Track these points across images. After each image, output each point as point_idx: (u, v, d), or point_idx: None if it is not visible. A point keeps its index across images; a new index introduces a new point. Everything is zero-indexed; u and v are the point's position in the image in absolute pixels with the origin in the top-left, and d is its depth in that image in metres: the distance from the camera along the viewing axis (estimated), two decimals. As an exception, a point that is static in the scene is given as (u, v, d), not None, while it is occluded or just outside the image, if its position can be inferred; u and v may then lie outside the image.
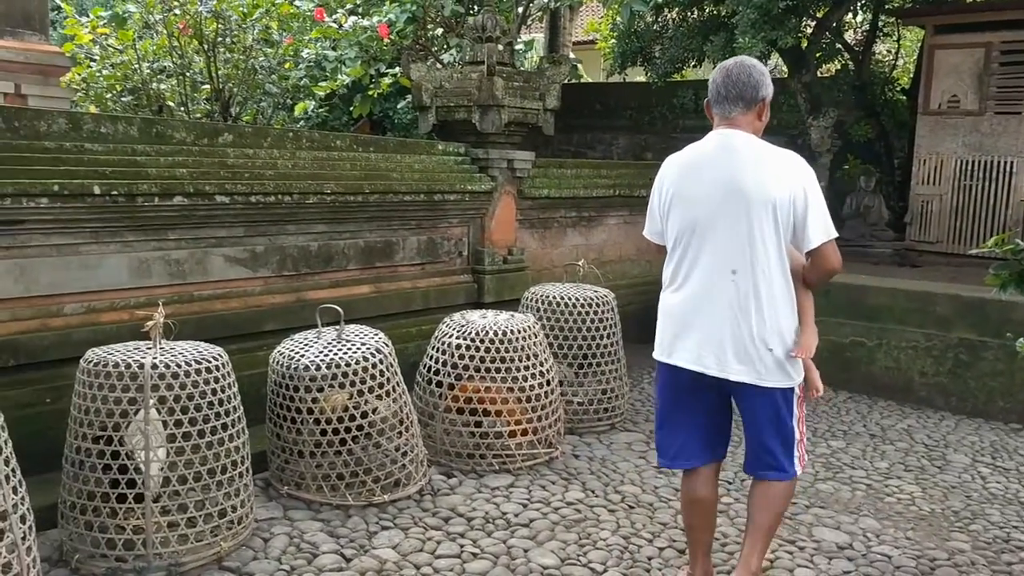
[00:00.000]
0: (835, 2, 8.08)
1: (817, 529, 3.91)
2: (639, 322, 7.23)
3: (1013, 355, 5.55)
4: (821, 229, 2.83)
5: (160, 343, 3.43)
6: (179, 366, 3.28)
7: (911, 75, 9.65)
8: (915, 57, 10.02)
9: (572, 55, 15.61)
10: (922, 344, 6.00)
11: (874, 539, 3.83)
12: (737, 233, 2.83)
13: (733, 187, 2.82)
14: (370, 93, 7.75)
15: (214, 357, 3.42)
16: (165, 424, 3.29)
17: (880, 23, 9.29)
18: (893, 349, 6.12)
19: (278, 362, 4.01)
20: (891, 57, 10.32)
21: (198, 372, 3.32)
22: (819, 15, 8.27)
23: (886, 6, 9.08)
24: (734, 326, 2.86)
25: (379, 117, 9.94)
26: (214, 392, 3.36)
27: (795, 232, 2.85)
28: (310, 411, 3.91)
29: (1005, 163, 7.30)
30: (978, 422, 5.62)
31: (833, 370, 6.02)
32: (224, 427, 3.40)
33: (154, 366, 3.24)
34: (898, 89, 9.48)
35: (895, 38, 9.89)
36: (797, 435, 3.01)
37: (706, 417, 3.09)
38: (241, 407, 3.55)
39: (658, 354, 3.07)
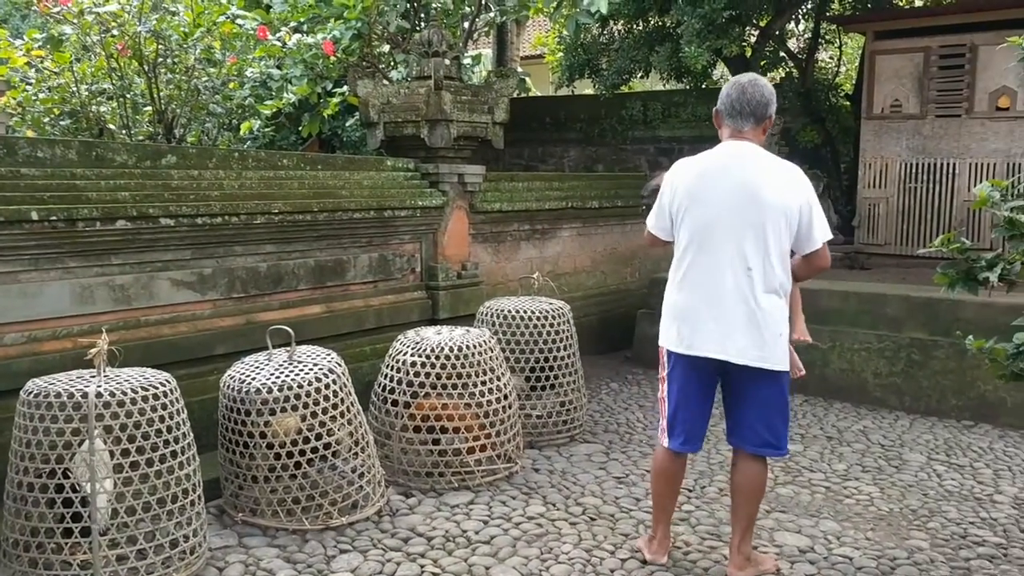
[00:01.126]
0: (777, 10, 8.21)
1: (779, 534, 3.91)
2: (596, 333, 7.27)
3: (963, 353, 5.64)
4: (823, 233, 3.23)
5: (104, 371, 3.33)
6: (124, 394, 3.19)
7: (854, 81, 9.82)
8: (857, 63, 10.20)
9: (520, 69, 15.68)
10: (875, 345, 6.06)
11: (835, 541, 3.84)
12: (755, 234, 3.14)
13: (751, 194, 3.14)
14: (319, 112, 7.67)
15: (161, 383, 3.33)
16: (112, 454, 3.19)
17: (822, 30, 9.45)
18: (847, 351, 6.18)
19: (228, 386, 3.92)
20: (834, 64, 10.50)
21: (144, 399, 3.23)
22: (762, 24, 8.39)
23: (827, 13, 9.24)
24: (751, 317, 3.16)
25: (328, 135, 9.86)
26: (162, 419, 3.27)
27: (799, 235, 3.20)
28: (263, 435, 3.82)
29: (948, 165, 7.44)
30: (932, 420, 5.69)
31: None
32: (173, 455, 3.31)
33: (98, 394, 3.14)
34: (842, 95, 9.64)
35: (837, 45, 10.06)
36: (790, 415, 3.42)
37: (710, 402, 3.44)
38: (191, 434, 3.46)
39: (674, 346, 3.32)
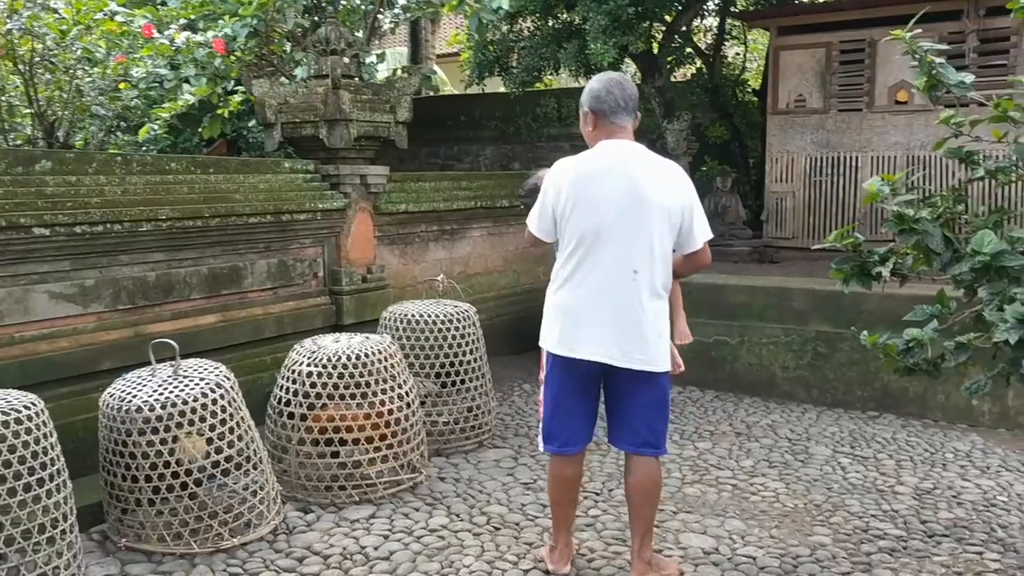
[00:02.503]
0: (683, 6, 8.22)
1: (684, 535, 3.86)
2: (509, 334, 7.16)
3: (867, 345, 5.70)
4: (704, 232, 3.22)
5: (-38, 395, 3.09)
6: (-18, 419, 2.96)
7: (760, 77, 9.93)
8: (763, 59, 10.32)
9: (436, 67, 15.50)
10: (782, 339, 6.10)
11: (739, 541, 3.80)
12: (639, 236, 3.11)
13: (636, 196, 3.10)
14: (220, 112, 7.40)
15: (25, 407, 3.10)
16: (-30, 485, 2.96)
17: (728, 26, 9.52)
18: (755, 346, 6.21)
19: (108, 405, 3.69)
20: (740, 59, 10.60)
21: (5, 425, 3.00)
22: (668, 20, 8.39)
23: (732, 9, 9.31)
24: (634, 320, 3.14)
25: (233, 137, 9.56)
26: (26, 445, 3.04)
27: (681, 235, 3.19)
28: (145, 456, 3.61)
29: (851, 158, 7.55)
30: (838, 412, 5.75)
31: (699, 370, 6.07)
32: (40, 482, 3.09)
33: (-48, 422, 2.91)
34: (749, 90, 9.74)
35: (742, 41, 10.16)
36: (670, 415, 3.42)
37: (592, 404, 3.38)
38: (61, 458, 3.23)
39: (555, 348, 3.28)
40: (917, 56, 2.94)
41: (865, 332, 3.29)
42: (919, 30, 3.11)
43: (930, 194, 3.34)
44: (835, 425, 5.47)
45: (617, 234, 3.12)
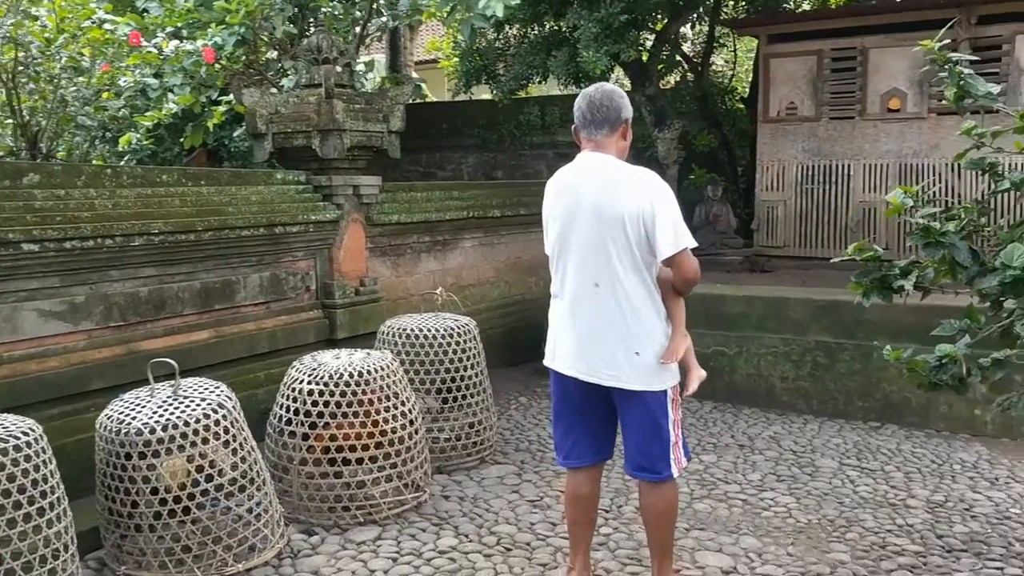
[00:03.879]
0: (673, 14, 8.18)
1: (700, 554, 3.78)
2: (503, 346, 7.06)
3: (868, 355, 5.67)
4: (670, 241, 2.97)
5: (-45, 421, 2.95)
6: (-21, 447, 2.82)
7: (748, 85, 9.92)
8: (751, 67, 10.31)
9: (415, 75, 15.39)
10: (781, 349, 6.05)
11: (756, 559, 3.73)
12: (596, 249, 3.03)
13: (589, 206, 3.03)
14: (204, 122, 7.26)
15: (24, 432, 2.97)
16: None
17: (716, 34, 9.50)
18: (753, 356, 6.15)
19: (106, 427, 3.55)
20: (728, 68, 10.60)
21: (3, 452, 2.86)
22: (658, 28, 8.35)
23: (721, 17, 9.29)
24: (601, 335, 3.06)
25: (214, 146, 9.39)
26: (25, 473, 2.91)
27: (649, 244, 3.00)
28: (146, 480, 3.48)
29: (843, 166, 7.53)
30: (839, 423, 5.70)
31: (698, 381, 5.99)
32: (40, 512, 2.96)
33: (-53, 450, 2.77)
34: (737, 98, 9.72)
35: (731, 49, 10.15)
36: (672, 438, 3.15)
37: (593, 419, 3.27)
38: (61, 485, 3.10)
39: (546, 359, 3.29)
40: (947, 67, 2.88)
41: (888, 347, 3.23)
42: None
43: (950, 206, 3.29)
44: (838, 436, 5.42)
45: (577, 248, 3.09)
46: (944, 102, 7.11)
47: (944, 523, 4.09)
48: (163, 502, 3.48)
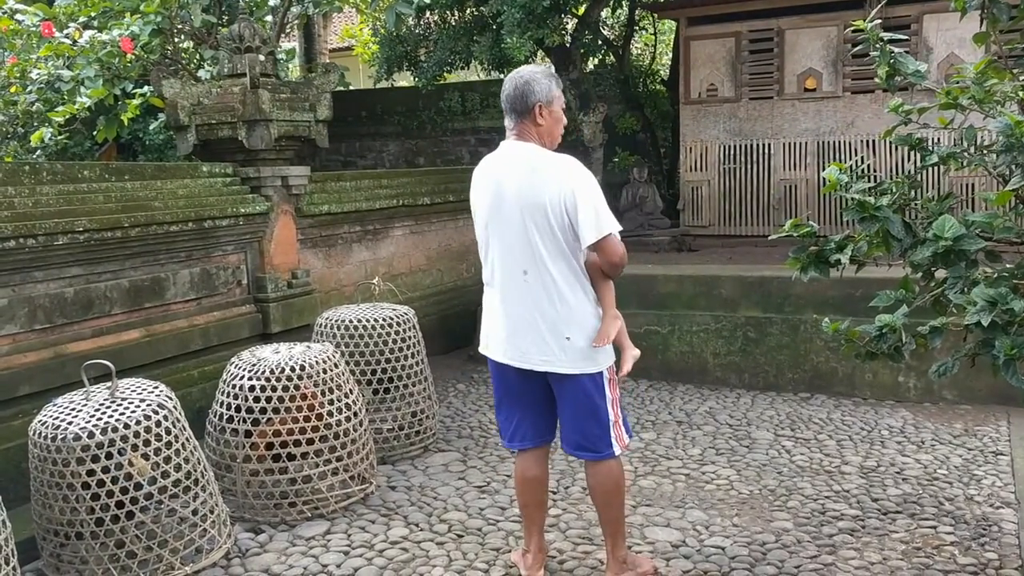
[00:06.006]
0: (594, -2, 8.24)
1: (648, 529, 3.85)
2: (437, 333, 7.05)
3: (796, 328, 5.84)
4: (592, 227, 2.98)
5: None
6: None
7: (668, 67, 10.05)
8: (671, 49, 10.45)
9: (330, 62, 15.16)
10: (712, 326, 6.18)
11: (704, 532, 3.81)
12: (520, 238, 3.06)
13: (511, 195, 3.05)
14: (118, 115, 7.02)
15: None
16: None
17: (636, 17, 9.59)
18: (686, 334, 6.27)
19: (40, 433, 3.42)
20: (649, 51, 10.72)
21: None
22: (579, 12, 8.39)
23: (641, 0, 9.39)
24: (531, 320, 3.10)
25: (127, 140, 9.11)
26: (-39, 485, 2.79)
27: (573, 231, 3.02)
28: (86, 486, 3.37)
29: (763, 145, 7.71)
30: (771, 395, 5.85)
31: (633, 361, 6.08)
32: (-22, 524, 2.84)
33: None
34: (658, 81, 9.84)
35: (651, 32, 10.27)
36: (612, 417, 3.19)
37: (533, 402, 3.29)
38: (-2, 496, 2.99)
39: (480, 346, 3.36)
40: (878, 45, 2.97)
41: (827, 320, 3.32)
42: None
43: (881, 181, 3.39)
44: (771, 408, 5.57)
45: (501, 236, 3.12)
46: (857, 81, 7.38)
47: (878, 487, 4.25)
48: (105, 508, 3.38)
